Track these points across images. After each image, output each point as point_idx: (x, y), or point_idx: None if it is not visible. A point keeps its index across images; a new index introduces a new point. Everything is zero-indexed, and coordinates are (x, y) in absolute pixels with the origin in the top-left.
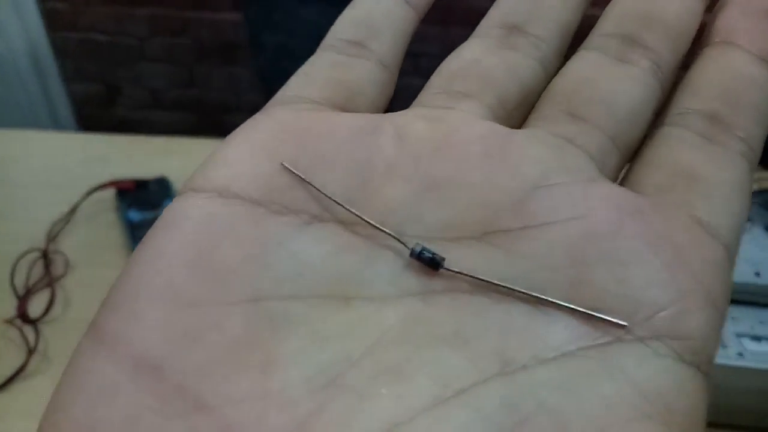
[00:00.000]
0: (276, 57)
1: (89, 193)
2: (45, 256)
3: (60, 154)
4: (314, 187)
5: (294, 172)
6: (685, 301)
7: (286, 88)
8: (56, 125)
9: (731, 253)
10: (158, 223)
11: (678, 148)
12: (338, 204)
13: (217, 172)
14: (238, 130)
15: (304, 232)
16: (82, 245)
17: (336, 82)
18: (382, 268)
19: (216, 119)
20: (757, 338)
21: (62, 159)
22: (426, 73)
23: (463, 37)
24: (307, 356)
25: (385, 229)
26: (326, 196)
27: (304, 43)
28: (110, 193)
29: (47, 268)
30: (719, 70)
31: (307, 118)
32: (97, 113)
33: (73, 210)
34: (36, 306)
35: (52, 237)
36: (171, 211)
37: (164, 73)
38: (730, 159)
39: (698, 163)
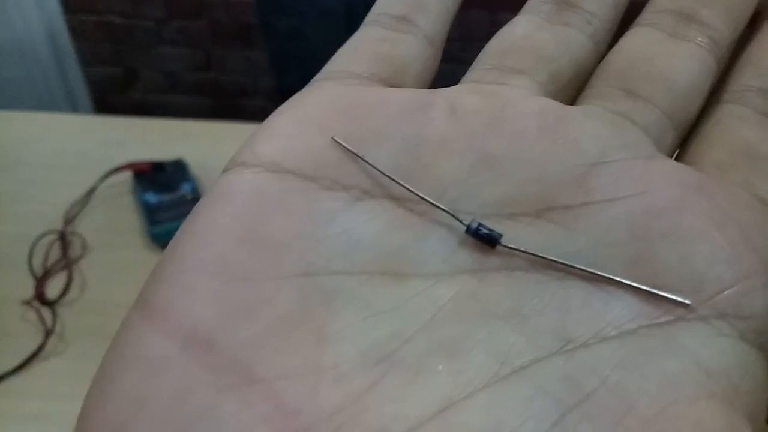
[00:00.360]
0: (287, 40)
1: (106, 175)
2: (62, 238)
3: (77, 137)
4: (366, 161)
5: (345, 147)
6: (750, 281)
7: (333, 63)
8: (73, 108)
9: None
10: (208, 197)
11: (738, 125)
12: (391, 179)
13: (266, 146)
14: (286, 104)
15: (356, 207)
16: (100, 227)
17: (383, 58)
18: (435, 245)
19: (233, 103)
20: None
21: (79, 141)
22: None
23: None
24: (360, 331)
25: (439, 205)
26: (378, 171)
27: (316, 27)
28: (127, 176)
29: (64, 250)
30: None
31: (357, 92)
32: (113, 96)
33: (90, 192)
34: (53, 287)
35: (69, 219)
36: (221, 185)
37: (181, 56)
38: None
39: (759, 141)
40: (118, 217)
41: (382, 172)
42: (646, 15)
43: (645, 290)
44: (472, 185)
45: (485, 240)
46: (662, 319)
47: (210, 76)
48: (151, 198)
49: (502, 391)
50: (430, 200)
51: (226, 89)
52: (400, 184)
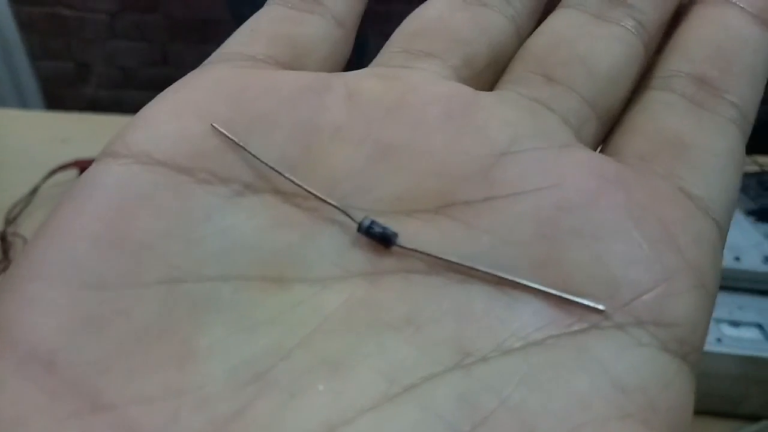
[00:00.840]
0: None
1: (50, 173)
2: (3, 239)
3: (20, 133)
4: (248, 151)
5: (225, 135)
6: (671, 283)
7: (227, 44)
8: (23, 104)
9: (722, 230)
10: (67, 194)
11: (664, 113)
12: (276, 171)
13: (136, 135)
14: (167, 89)
15: (235, 203)
16: None
17: (283, 39)
18: (325, 246)
19: None
20: (735, 324)
21: (23, 138)
22: None
23: None
24: (231, 347)
25: (329, 201)
26: (262, 162)
27: None
28: (73, 174)
29: (5, 251)
30: (710, 30)
31: (246, 75)
32: (66, 92)
33: (33, 191)
34: None
35: (10, 219)
36: (83, 180)
37: (136, 51)
38: (721, 126)
39: (686, 130)
40: None
41: (266, 164)
42: None
43: (554, 295)
44: (367, 179)
45: (379, 239)
46: (574, 328)
47: (167, 72)
48: None
49: (389, 415)
50: (320, 195)
51: None
52: (286, 177)
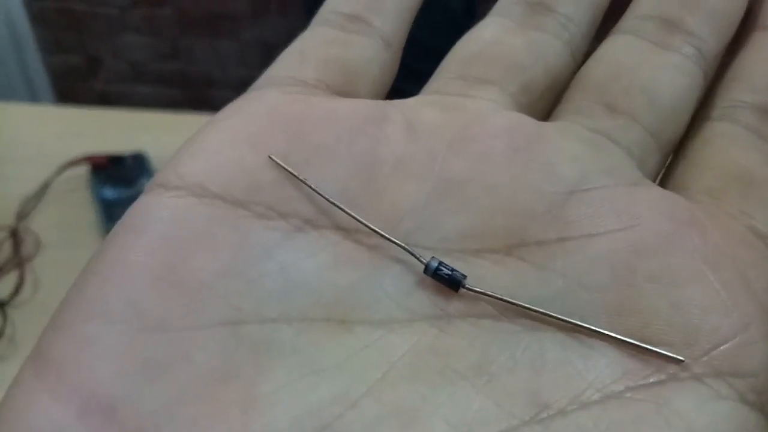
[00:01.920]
0: None
1: (62, 169)
2: (14, 235)
3: (32, 128)
4: (308, 185)
5: (284, 167)
6: (750, 331)
7: (275, 67)
8: (34, 98)
9: None
10: (119, 227)
11: (730, 146)
12: (337, 207)
13: (190, 166)
14: (218, 115)
15: (295, 240)
16: (54, 224)
17: (333, 62)
18: (389, 287)
19: (201, 93)
20: None
21: (34, 133)
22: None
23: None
24: (295, 393)
25: (393, 239)
26: (322, 196)
27: None
28: (84, 170)
29: (16, 247)
30: None
31: (301, 102)
32: (76, 86)
33: (44, 187)
34: (4, 288)
35: (22, 215)
36: (135, 213)
37: (146, 45)
38: None
39: (754, 165)
40: (73, 213)
41: (327, 199)
42: (626, 21)
43: (632, 344)
44: (431, 215)
45: (446, 282)
46: (652, 379)
47: (176, 66)
48: (109, 193)
49: None
50: (383, 233)
51: (193, 80)
52: (348, 213)
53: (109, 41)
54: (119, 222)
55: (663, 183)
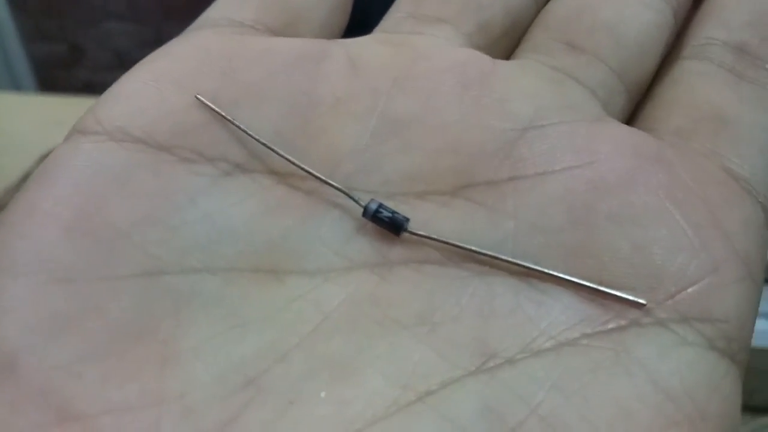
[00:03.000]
0: None
1: (44, 158)
2: None
3: (15, 117)
4: (237, 126)
5: (211, 108)
6: (720, 274)
7: (213, 8)
8: (16, 87)
9: None
10: (33, 177)
11: (701, 85)
12: (269, 148)
13: (110, 110)
14: (146, 58)
15: (223, 185)
16: None
17: (275, 2)
18: (326, 233)
19: None
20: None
21: (13, 122)
22: None
23: None
24: (218, 348)
25: (330, 182)
26: (253, 137)
27: None
28: None
29: None
30: None
31: (235, 41)
32: (59, 75)
33: (26, 177)
34: None
35: (3, 205)
36: (51, 160)
37: (129, 32)
38: (763, 99)
39: (726, 104)
40: None
41: (258, 140)
42: None
43: (589, 288)
44: (373, 156)
45: (388, 225)
46: (611, 325)
47: None
48: None
49: (401, 426)
50: (319, 175)
51: None
52: (281, 156)
53: (92, 29)
54: (34, 172)
55: (630, 125)
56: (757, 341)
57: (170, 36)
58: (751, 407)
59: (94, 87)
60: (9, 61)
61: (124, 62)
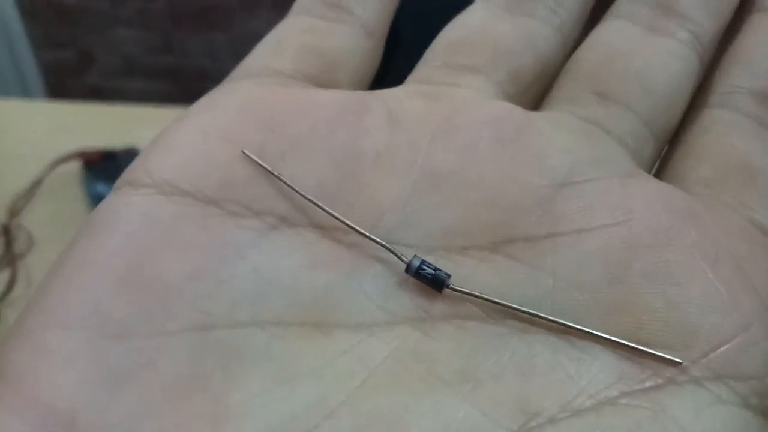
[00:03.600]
0: None
1: (54, 165)
2: (7, 232)
3: (23, 124)
4: (282, 180)
5: (258, 162)
6: (751, 331)
7: (251, 57)
8: (25, 94)
9: None
10: (84, 228)
11: (728, 134)
12: (314, 203)
13: (159, 162)
14: (189, 109)
15: (270, 239)
16: (46, 220)
17: (311, 51)
18: (369, 288)
19: (194, 87)
20: None
21: (25, 128)
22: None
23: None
24: (269, 403)
25: (373, 237)
26: (298, 192)
27: None
28: (76, 166)
29: (9, 244)
30: None
31: (277, 94)
32: (68, 81)
33: (37, 183)
34: None
35: (14, 212)
36: (101, 212)
37: (138, 39)
38: None
39: (754, 154)
40: (66, 209)
41: (304, 195)
42: (619, 5)
43: (627, 346)
44: (414, 210)
45: (430, 281)
46: (648, 384)
47: (169, 60)
48: (102, 189)
49: None
50: (362, 231)
51: (186, 73)
52: (325, 210)
53: (101, 35)
54: (85, 223)
55: (659, 174)
56: None
57: (179, 42)
58: None
59: (104, 93)
60: (19, 67)
61: (133, 69)
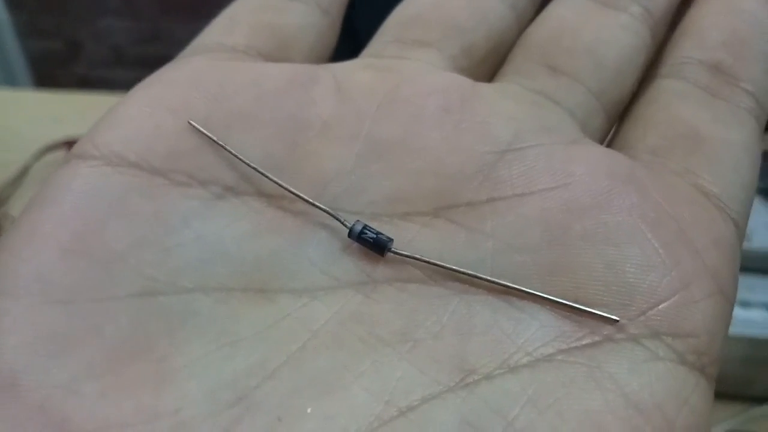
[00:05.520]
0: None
1: (41, 153)
2: None
3: (12, 113)
4: (228, 150)
5: (203, 132)
6: (690, 290)
7: (205, 34)
8: (12, 84)
9: (741, 229)
10: (32, 200)
11: (676, 103)
12: (259, 172)
13: (106, 135)
14: (140, 84)
15: (215, 207)
16: None
17: (265, 28)
18: (313, 253)
19: None
20: (745, 305)
21: (12, 117)
22: None
23: None
24: (210, 365)
25: (317, 204)
26: (244, 162)
27: None
28: (64, 155)
29: None
30: (723, 14)
31: (225, 67)
32: (56, 71)
33: (24, 172)
34: None
35: (2, 200)
36: (49, 185)
37: (126, 29)
38: (737, 117)
39: (701, 122)
40: None
41: (249, 164)
42: None
43: (564, 305)
44: (358, 179)
45: (372, 246)
46: (585, 341)
47: (158, 50)
48: None
49: None
50: (307, 198)
51: None
52: (270, 179)
53: (89, 25)
54: (34, 195)
55: (611, 144)
56: (750, 331)
57: (168, 32)
58: (749, 396)
59: (91, 83)
60: (6, 57)
61: (121, 58)
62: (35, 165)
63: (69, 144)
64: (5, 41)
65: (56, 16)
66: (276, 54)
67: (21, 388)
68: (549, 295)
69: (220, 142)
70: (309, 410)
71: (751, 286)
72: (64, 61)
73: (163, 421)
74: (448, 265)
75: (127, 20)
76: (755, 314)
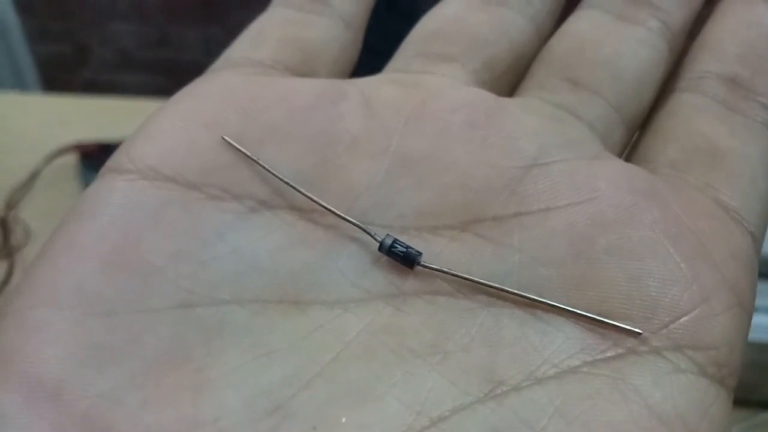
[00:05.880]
0: None
1: (51, 157)
2: (4, 224)
3: (19, 117)
4: (261, 165)
5: (237, 148)
6: (710, 304)
7: (232, 49)
8: (21, 88)
9: (758, 242)
10: (70, 213)
11: (695, 117)
12: (291, 186)
13: (142, 149)
14: (171, 98)
15: (249, 221)
16: (44, 213)
17: (291, 42)
18: (344, 266)
19: (190, 81)
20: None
21: (22, 121)
22: None
23: None
24: (247, 375)
25: (348, 218)
26: (276, 176)
27: None
28: (73, 158)
29: (6, 237)
30: (739, 26)
31: (257, 82)
32: (64, 75)
33: (33, 176)
34: None
35: (11, 204)
36: (86, 198)
37: (134, 33)
38: (754, 131)
39: (720, 136)
40: (63, 201)
41: (281, 178)
42: None
43: (589, 318)
44: (387, 193)
45: (402, 259)
46: (609, 354)
47: (165, 54)
48: None
49: None
50: (338, 212)
51: (182, 67)
52: (302, 193)
53: (97, 29)
54: (70, 208)
55: (630, 157)
56: (756, 335)
57: (175, 36)
58: (755, 402)
59: (99, 87)
60: (15, 61)
61: (129, 62)
62: (45, 169)
63: (78, 147)
64: (14, 45)
65: (65, 20)
66: (302, 68)
67: (65, 397)
68: (574, 308)
69: (253, 157)
70: (344, 420)
71: (758, 291)
72: (72, 64)
73: (203, 429)
74: (475, 279)
75: (135, 24)
76: (762, 319)
